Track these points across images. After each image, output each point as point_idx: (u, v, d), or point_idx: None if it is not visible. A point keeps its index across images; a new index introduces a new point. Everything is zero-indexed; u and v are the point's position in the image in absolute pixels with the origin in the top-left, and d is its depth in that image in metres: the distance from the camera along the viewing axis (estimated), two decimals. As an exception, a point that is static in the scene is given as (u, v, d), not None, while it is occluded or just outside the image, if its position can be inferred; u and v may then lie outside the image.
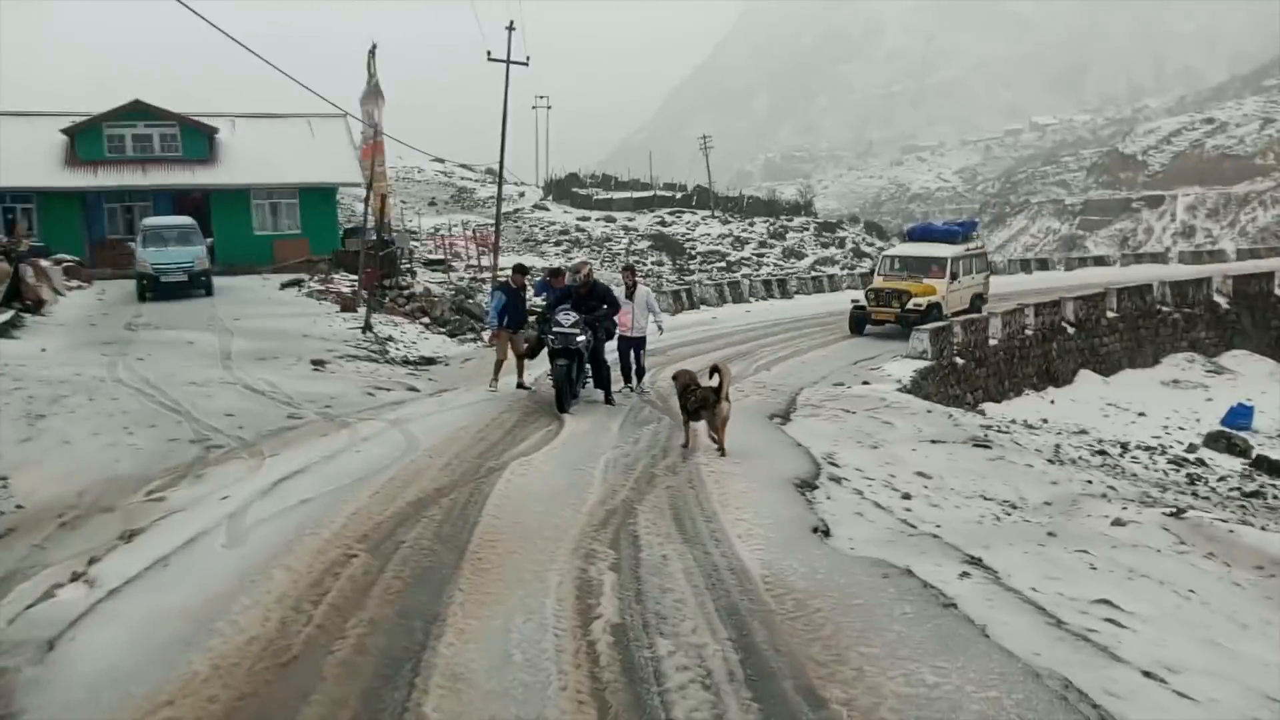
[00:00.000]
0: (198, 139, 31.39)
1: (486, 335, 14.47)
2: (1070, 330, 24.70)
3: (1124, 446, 15.87)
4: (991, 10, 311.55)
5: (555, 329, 12.00)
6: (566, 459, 9.23)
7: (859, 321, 23.05)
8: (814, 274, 38.25)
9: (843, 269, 57.19)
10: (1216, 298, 27.94)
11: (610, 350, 13.28)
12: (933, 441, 12.07)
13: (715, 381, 9.94)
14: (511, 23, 26.49)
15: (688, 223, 60.69)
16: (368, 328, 19.26)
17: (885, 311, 22.57)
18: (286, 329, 19.20)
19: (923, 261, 23.40)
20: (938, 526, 7.63)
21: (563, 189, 65.80)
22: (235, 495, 7.80)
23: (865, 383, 15.95)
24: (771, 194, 78.84)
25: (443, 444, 9.87)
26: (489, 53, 26.69)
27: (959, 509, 8.79)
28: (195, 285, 24.11)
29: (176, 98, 32.64)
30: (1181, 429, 20.39)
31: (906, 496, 8.70)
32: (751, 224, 61.54)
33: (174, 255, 24.04)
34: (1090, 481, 10.89)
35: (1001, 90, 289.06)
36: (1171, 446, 17.88)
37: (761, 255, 58.02)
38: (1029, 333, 23.31)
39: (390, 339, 19.52)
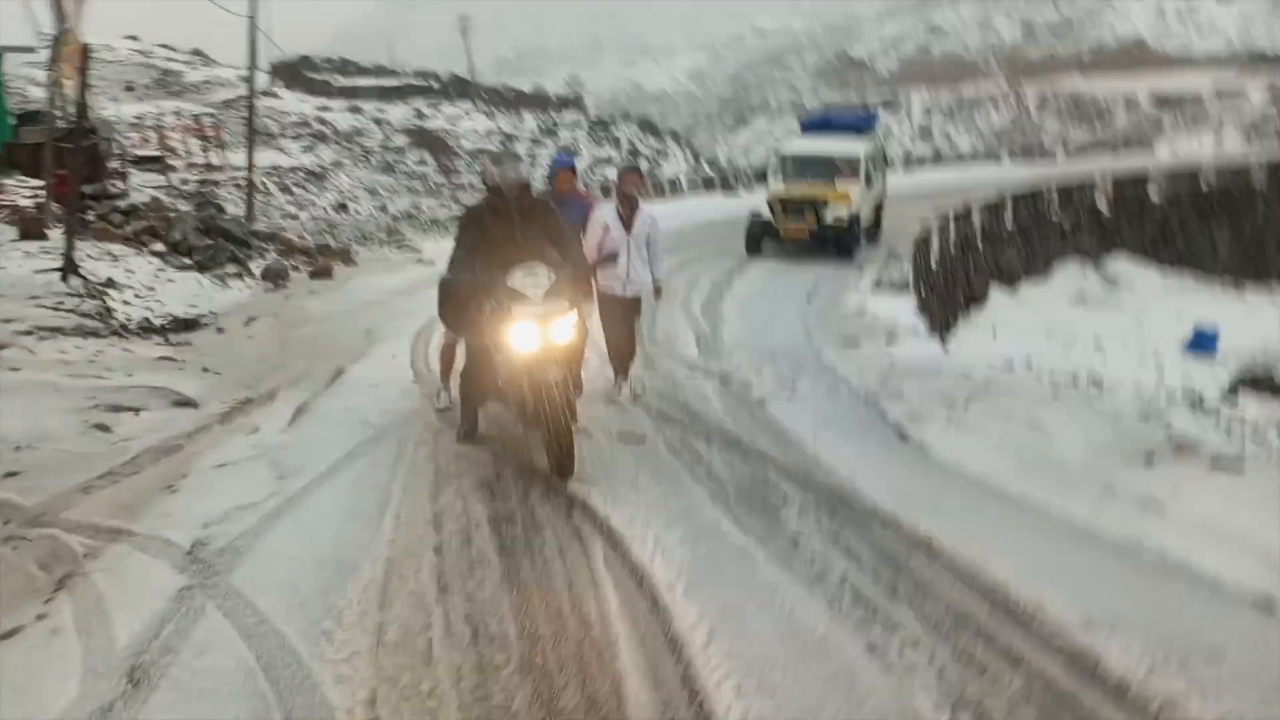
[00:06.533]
0: None
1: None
2: (979, 245, 21.03)
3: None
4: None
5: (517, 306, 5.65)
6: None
7: (758, 240, 18.05)
8: (652, 179, 32.70)
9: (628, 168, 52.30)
10: (1100, 205, 25.39)
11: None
12: (1146, 465, 7.29)
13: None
14: None
15: (449, 116, 53.08)
16: (71, 269, 11.73)
17: (798, 227, 17.67)
18: (-80, 275, 11.41)
19: (828, 163, 18.55)
20: None
21: (294, 73, 55.54)
22: None
23: (892, 335, 10.93)
24: (537, 86, 72.02)
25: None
26: None
27: None
28: None
29: None
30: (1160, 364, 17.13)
31: None
32: (521, 119, 54.88)
33: None
34: None
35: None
36: (1200, 393, 14.34)
37: (534, 155, 51.77)
38: (952, 250, 19.28)
39: (111, 284, 12.12)
